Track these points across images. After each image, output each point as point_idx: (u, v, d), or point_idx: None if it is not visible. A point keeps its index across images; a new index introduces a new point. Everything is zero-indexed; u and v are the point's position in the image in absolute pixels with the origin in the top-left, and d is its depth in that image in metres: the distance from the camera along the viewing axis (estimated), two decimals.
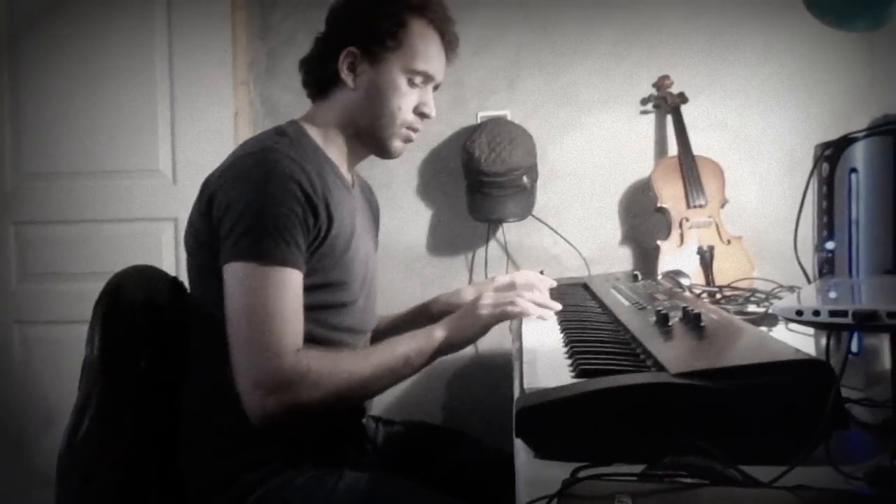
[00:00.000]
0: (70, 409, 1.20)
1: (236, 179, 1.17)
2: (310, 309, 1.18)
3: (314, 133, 1.31)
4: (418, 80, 1.29)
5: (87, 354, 1.22)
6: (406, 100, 1.29)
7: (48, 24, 2.35)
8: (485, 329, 1.25)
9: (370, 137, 1.32)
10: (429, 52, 1.29)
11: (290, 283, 1.14)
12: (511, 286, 1.47)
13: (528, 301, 1.27)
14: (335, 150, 1.32)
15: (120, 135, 2.33)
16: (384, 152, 1.34)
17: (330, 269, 1.23)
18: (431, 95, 1.33)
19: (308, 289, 1.18)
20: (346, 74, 1.28)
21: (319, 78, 1.32)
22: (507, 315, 1.25)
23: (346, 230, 1.26)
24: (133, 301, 1.25)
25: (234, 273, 1.13)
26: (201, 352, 1.24)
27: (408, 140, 1.33)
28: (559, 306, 1.33)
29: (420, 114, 1.32)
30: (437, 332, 1.22)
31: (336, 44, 1.29)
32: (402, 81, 1.28)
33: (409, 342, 1.20)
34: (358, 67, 1.28)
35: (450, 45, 1.33)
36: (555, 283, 1.59)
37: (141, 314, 1.25)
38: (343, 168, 1.34)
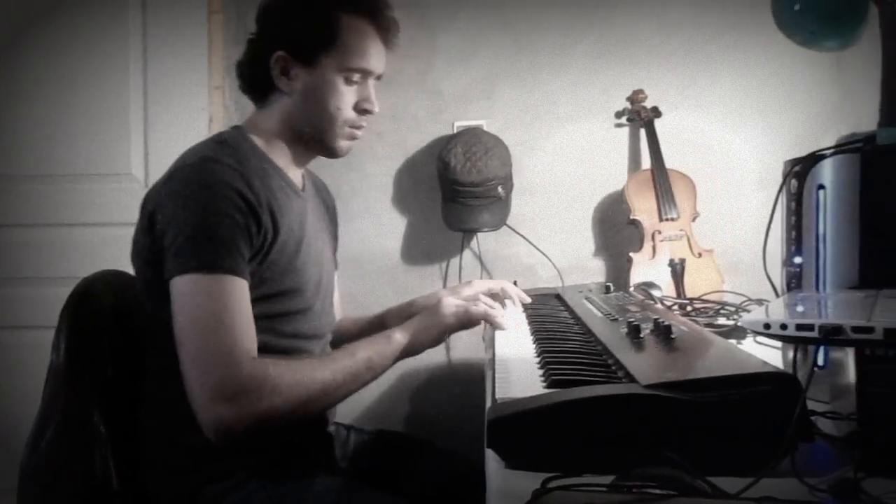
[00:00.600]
0: (34, 416, 1.18)
1: (175, 193, 1.14)
2: (264, 318, 1.16)
3: (257, 139, 1.28)
4: (356, 77, 1.26)
5: (52, 360, 1.20)
6: (344, 99, 1.25)
7: (19, 25, 2.31)
8: (447, 332, 1.25)
9: (313, 140, 1.29)
10: (364, 48, 1.25)
11: (237, 291, 1.11)
12: (486, 291, 1.49)
13: (490, 305, 1.28)
14: (280, 154, 1.29)
15: (92, 138, 2.30)
16: (330, 153, 1.31)
17: (280, 277, 1.21)
18: (372, 90, 1.29)
19: (260, 299, 1.16)
20: (279, 80, 1.25)
21: (255, 84, 1.29)
22: (469, 316, 1.26)
23: (294, 236, 1.24)
24: (101, 306, 1.23)
25: (180, 287, 1.10)
26: (157, 369, 1.21)
27: (352, 138, 1.30)
28: (509, 326, 1.33)
29: (361, 111, 1.28)
30: (398, 335, 1.21)
31: (266, 48, 1.25)
32: (338, 81, 1.24)
33: (369, 346, 1.20)
34: (291, 72, 1.24)
35: (387, 34, 1.28)
36: (528, 300, 1.59)
37: (109, 320, 1.23)
38: (290, 171, 1.31)
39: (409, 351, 1.23)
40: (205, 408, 1.06)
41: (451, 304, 1.27)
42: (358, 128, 1.29)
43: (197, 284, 1.09)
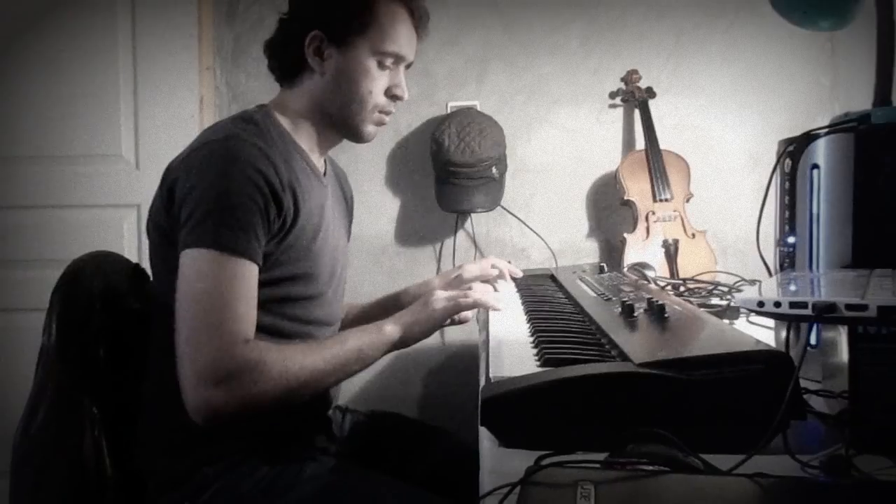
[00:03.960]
0: (26, 398, 1.17)
1: (198, 168, 1.13)
2: (276, 301, 1.16)
3: (283, 119, 1.27)
4: (389, 61, 1.25)
5: (43, 342, 1.19)
6: (377, 83, 1.25)
7: (6, 6, 2.27)
8: (438, 323, 1.24)
9: (342, 123, 1.28)
10: (398, 33, 1.25)
11: (246, 274, 1.10)
12: (478, 275, 1.48)
13: (481, 293, 1.28)
14: (305, 137, 1.28)
15: (82, 119, 2.27)
16: (357, 137, 1.30)
17: (296, 261, 1.20)
18: (403, 76, 1.29)
19: (273, 281, 1.15)
20: (312, 60, 1.24)
21: (285, 63, 1.28)
22: (460, 307, 1.25)
23: (313, 221, 1.23)
24: (91, 288, 1.22)
25: (189, 259, 1.09)
26: (161, 345, 1.19)
27: (381, 123, 1.29)
28: (504, 307, 1.33)
29: (392, 96, 1.27)
30: (389, 327, 1.20)
31: (300, 27, 1.24)
32: (371, 64, 1.24)
33: (360, 336, 1.19)
34: (325, 52, 1.24)
35: (420, 22, 1.28)
36: (520, 273, 1.60)
37: (100, 301, 1.22)
38: (314, 155, 1.30)
39: (400, 343, 1.22)
40: (193, 388, 1.05)
41: (441, 297, 1.25)
42: (387, 113, 1.28)
43: (206, 260, 1.08)
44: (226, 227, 1.08)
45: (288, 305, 1.20)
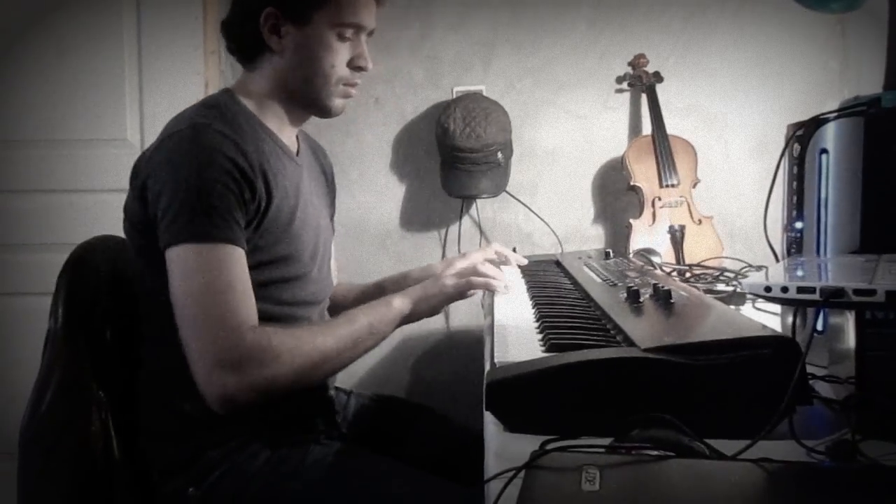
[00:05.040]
0: (33, 381, 1.18)
1: (166, 161, 1.11)
2: (260, 286, 1.14)
3: (248, 101, 1.24)
4: (349, 32, 1.21)
5: (50, 326, 1.19)
6: (339, 56, 1.21)
7: None
8: (448, 300, 1.25)
9: (307, 100, 1.25)
10: (358, 3, 1.20)
11: (235, 259, 1.09)
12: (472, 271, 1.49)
13: (491, 274, 1.28)
14: (272, 118, 1.26)
15: (87, 103, 2.27)
16: (324, 113, 1.27)
17: (275, 244, 1.19)
18: (365, 46, 1.25)
19: (255, 266, 1.14)
20: (269, 39, 1.20)
21: (243, 44, 1.24)
22: (471, 285, 1.26)
23: (289, 202, 1.22)
24: (97, 271, 1.22)
25: (175, 257, 1.08)
26: (153, 337, 1.21)
27: (347, 96, 1.26)
28: (511, 291, 1.34)
29: (356, 67, 1.24)
30: (398, 302, 1.22)
31: (254, 5, 1.20)
32: (331, 37, 1.20)
33: (370, 312, 1.19)
34: (282, 29, 1.20)
35: None
36: (525, 261, 1.59)
37: (106, 285, 1.23)
38: (284, 135, 1.28)
39: (410, 316, 1.23)
40: (207, 378, 1.05)
41: (453, 273, 1.27)
42: (352, 85, 1.25)
43: (193, 255, 1.07)
44: (204, 217, 1.07)
45: (272, 289, 1.18)
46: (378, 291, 1.49)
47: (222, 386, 1.05)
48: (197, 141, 1.11)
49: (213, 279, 1.07)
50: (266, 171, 1.17)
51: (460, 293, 1.27)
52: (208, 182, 1.08)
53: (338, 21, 1.19)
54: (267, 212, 1.17)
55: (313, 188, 1.35)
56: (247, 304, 1.09)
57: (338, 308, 1.48)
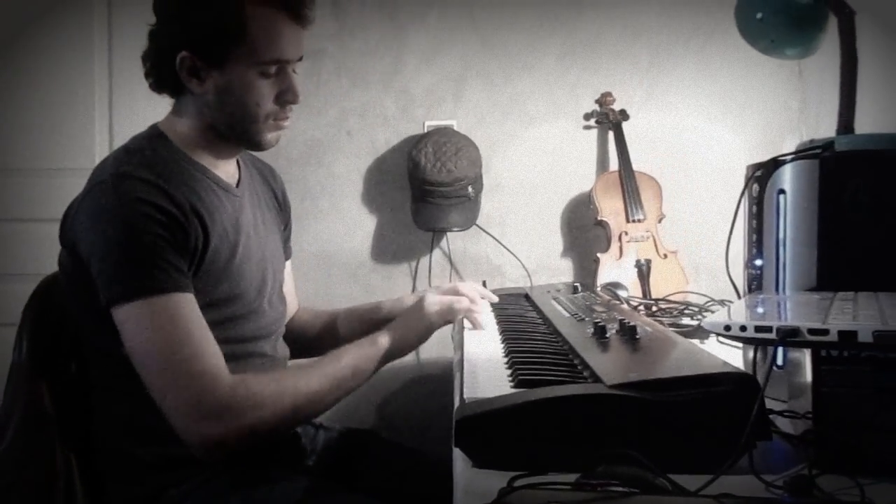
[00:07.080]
0: None
1: (91, 217, 1.08)
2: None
3: (176, 139, 1.19)
4: (272, 69, 1.16)
5: (14, 359, 1.18)
6: (263, 93, 1.16)
7: None
8: (432, 329, 1.25)
9: (237, 138, 1.21)
10: (276, 37, 1.14)
11: (184, 305, 1.07)
12: (453, 292, 1.49)
13: (472, 296, 1.29)
14: (204, 154, 1.21)
15: (54, 131, 2.26)
16: (256, 148, 1.23)
17: (216, 285, 1.15)
18: (292, 78, 1.19)
19: (199, 308, 1.10)
20: (189, 82, 1.15)
21: (164, 85, 1.20)
22: (453, 312, 1.26)
23: (228, 241, 1.18)
24: (63, 304, 1.21)
25: (124, 316, 1.05)
26: (100, 385, 1.18)
27: (279, 129, 1.21)
28: (485, 327, 1.35)
29: (284, 102, 1.19)
30: (383, 338, 1.21)
31: (169, 46, 1.14)
32: (253, 77, 1.15)
33: (354, 351, 1.19)
34: (201, 72, 1.14)
35: (299, 14, 1.16)
36: (496, 299, 1.60)
37: (71, 318, 1.21)
38: (219, 168, 1.23)
39: (395, 352, 1.22)
40: (189, 430, 1.04)
41: (434, 301, 1.27)
42: (284, 119, 1.21)
43: (141, 311, 1.04)
44: (141, 270, 1.05)
45: (219, 329, 1.13)
46: (346, 319, 1.48)
47: (206, 436, 1.03)
48: (119, 192, 1.08)
49: (169, 332, 1.04)
50: (199, 211, 1.13)
51: (443, 319, 1.27)
52: (136, 234, 1.05)
53: (258, 60, 1.14)
54: (206, 252, 1.13)
55: (259, 217, 1.31)
56: (209, 349, 1.07)
57: (302, 334, 1.47)
